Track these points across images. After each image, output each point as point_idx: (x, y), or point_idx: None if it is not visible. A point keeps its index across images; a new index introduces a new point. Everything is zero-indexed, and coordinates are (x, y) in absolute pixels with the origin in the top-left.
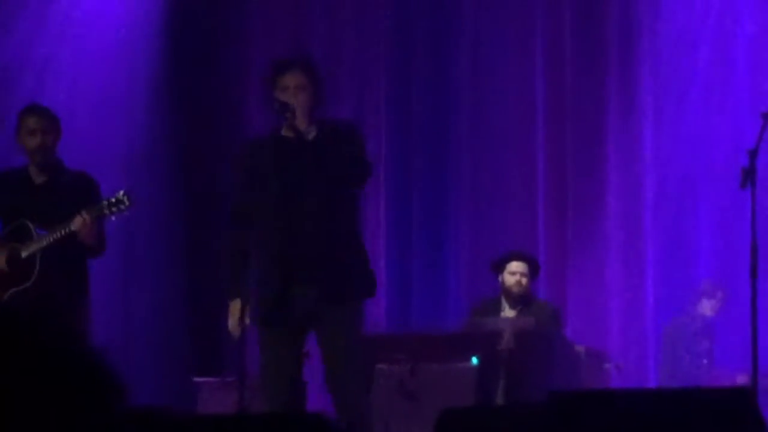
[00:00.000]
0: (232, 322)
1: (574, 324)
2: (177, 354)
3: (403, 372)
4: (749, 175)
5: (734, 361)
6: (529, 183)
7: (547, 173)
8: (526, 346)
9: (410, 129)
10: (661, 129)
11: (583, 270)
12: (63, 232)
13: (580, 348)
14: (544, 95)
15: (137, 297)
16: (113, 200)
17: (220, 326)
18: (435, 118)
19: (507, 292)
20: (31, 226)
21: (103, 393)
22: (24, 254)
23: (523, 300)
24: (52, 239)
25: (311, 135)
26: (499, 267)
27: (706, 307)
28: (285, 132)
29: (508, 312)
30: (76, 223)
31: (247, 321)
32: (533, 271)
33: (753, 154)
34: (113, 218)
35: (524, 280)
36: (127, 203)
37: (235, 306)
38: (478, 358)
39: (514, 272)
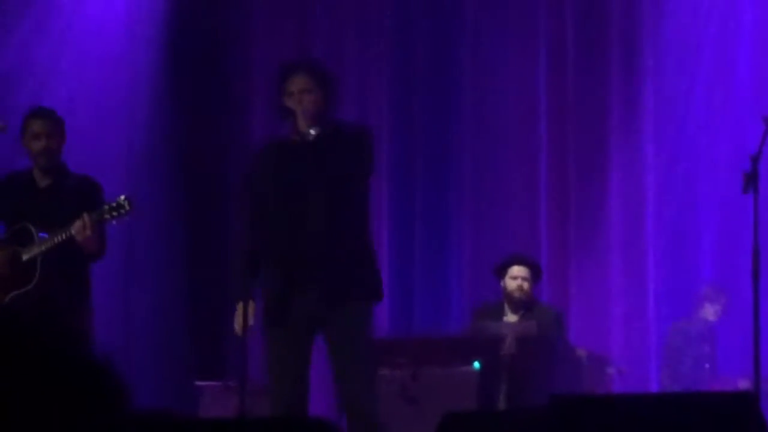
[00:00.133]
0: (238, 324)
1: (576, 328)
2: (178, 357)
3: (405, 376)
4: (751, 180)
5: (736, 366)
6: (531, 186)
7: (549, 176)
8: (527, 350)
9: (412, 131)
10: (664, 133)
11: (585, 274)
12: (63, 236)
13: (581, 352)
14: (546, 97)
15: (138, 299)
16: (114, 205)
17: (221, 330)
18: (437, 120)
19: (509, 296)
20: (32, 229)
21: (105, 396)
22: (25, 257)
23: (525, 304)
24: (52, 243)
25: (311, 136)
26: (501, 271)
27: (709, 312)
28: (292, 135)
29: (510, 317)
30: (76, 228)
31: (251, 322)
32: (535, 275)
33: (755, 159)
34: (114, 222)
35: (526, 285)
36: (127, 208)
37: (241, 307)
38: (480, 362)
39: (516, 276)
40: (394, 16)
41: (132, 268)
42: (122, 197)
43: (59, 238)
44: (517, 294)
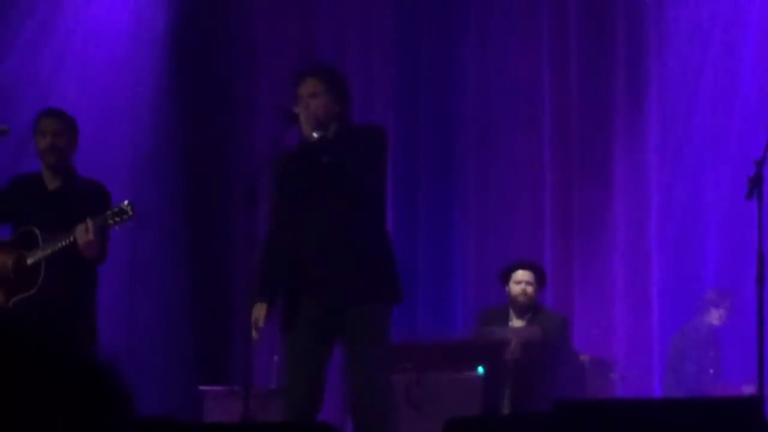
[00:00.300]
0: (254, 326)
1: (580, 333)
2: (182, 362)
3: (410, 381)
4: (755, 185)
5: (741, 371)
6: (536, 191)
7: (554, 182)
8: (532, 356)
9: (416, 134)
10: (668, 138)
11: (589, 279)
12: (67, 241)
13: (585, 357)
14: (550, 100)
15: (142, 303)
16: (116, 210)
17: (226, 335)
18: (440, 123)
19: (513, 301)
20: (37, 232)
21: (109, 400)
22: (29, 261)
23: (530, 309)
24: (56, 247)
25: (313, 139)
26: (506, 276)
27: (713, 316)
28: (300, 141)
29: (515, 322)
30: (78, 233)
31: (262, 324)
32: (539, 280)
33: (760, 164)
34: (117, 228)
35: (530, 289)
36: (130, 213)
37: (257, 309)
38: (484, 367)
39: (520, 281)
40: (397, 16)
41: (136, 271)
42: (125, 202)
43: (64, 242)
44: (521, 298)
